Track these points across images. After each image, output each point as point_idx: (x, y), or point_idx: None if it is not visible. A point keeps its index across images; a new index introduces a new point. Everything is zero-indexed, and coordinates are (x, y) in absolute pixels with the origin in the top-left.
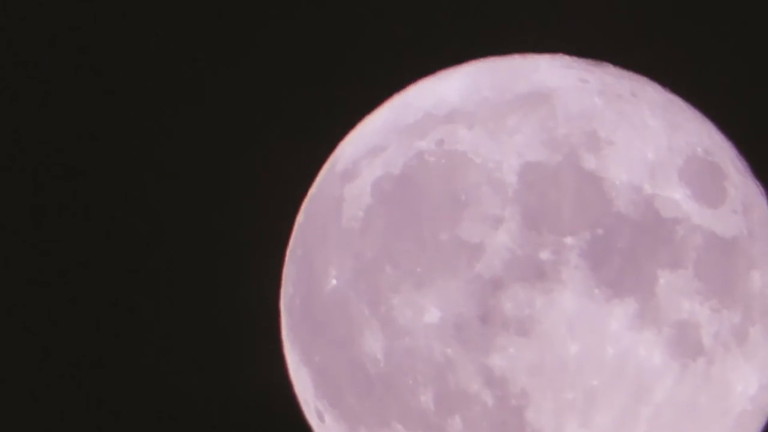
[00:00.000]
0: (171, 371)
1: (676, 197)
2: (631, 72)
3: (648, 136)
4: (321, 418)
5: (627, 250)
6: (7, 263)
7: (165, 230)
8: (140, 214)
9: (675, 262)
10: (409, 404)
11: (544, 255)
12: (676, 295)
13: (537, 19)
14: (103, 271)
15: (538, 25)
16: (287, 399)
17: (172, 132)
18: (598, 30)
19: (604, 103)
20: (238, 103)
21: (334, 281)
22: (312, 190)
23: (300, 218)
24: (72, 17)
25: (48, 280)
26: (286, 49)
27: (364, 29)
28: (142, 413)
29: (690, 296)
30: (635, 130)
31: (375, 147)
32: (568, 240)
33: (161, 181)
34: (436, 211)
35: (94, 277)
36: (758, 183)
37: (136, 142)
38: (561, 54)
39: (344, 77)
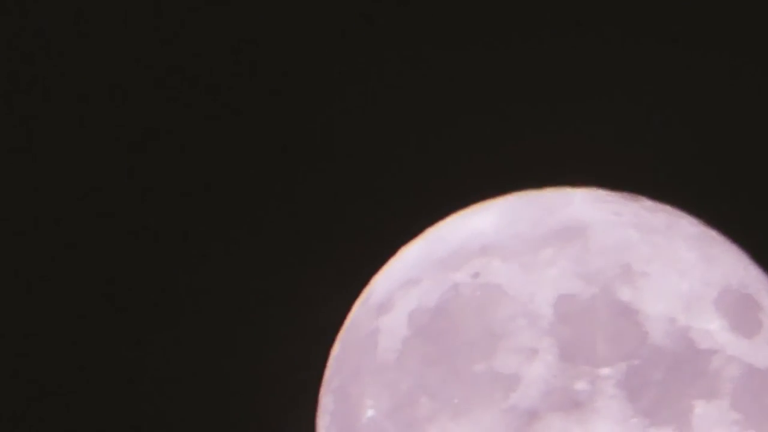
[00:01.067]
0: None
1: (711, 328)
2: (665, 205)
3: (683, 269)
4: None
5: (663, 380)
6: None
7: (201, 362)
8: (174, 340)
9: (711, 392)
10: None
11: (580, 385)
12: (712, 426)
13: (571, 153)
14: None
15: (572, 159)
16: None
17: (210, 257)
18: (633, 164)
19: (639, 237)
20: (276, 236)
21: (370, 412)
22: (347, 322)
23: (336, 349)
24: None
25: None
26: (319, 184)
27: (399, 163)
28: None
29: (727, 427)
30: (670, 263)
31: (410, 279)
32: (604, 371)
33: (198, 309)
34: (472, 343)
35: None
36: None
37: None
38: (595, 187)
39: (378, 211)
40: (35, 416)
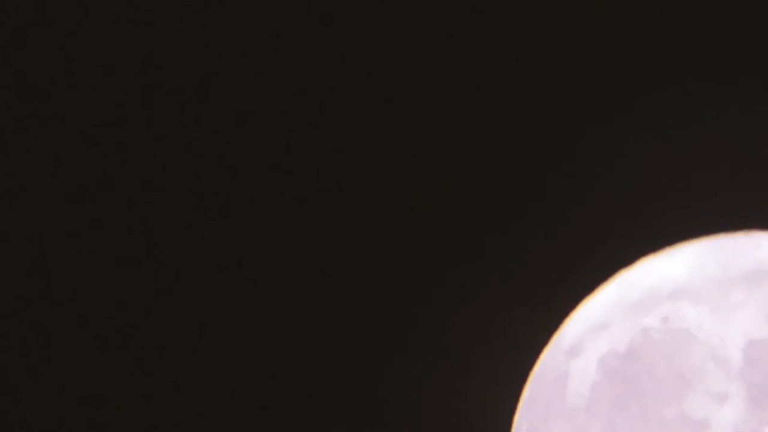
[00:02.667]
0: None
1: None
2: None
3: None
4: None
5: None
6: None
7: (388, 398)
8: (366, 375)
9: None
10: None
11: None
12: None
13: (762, 198)
14: None
15: (763, 203)
16: None
17: (407, 296)
18: None
19: None
20: (470, 277)
21: None
22: (539, 365)
23: (526, 393)
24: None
25: None
26: (514, 227)
27: (592, 207)
28: None
29: None
30: None
31: (600, 324)
32: None
33: (394, 345)
34: (661, 388)
35: None
36: None
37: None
38: None
39: (571, 255)
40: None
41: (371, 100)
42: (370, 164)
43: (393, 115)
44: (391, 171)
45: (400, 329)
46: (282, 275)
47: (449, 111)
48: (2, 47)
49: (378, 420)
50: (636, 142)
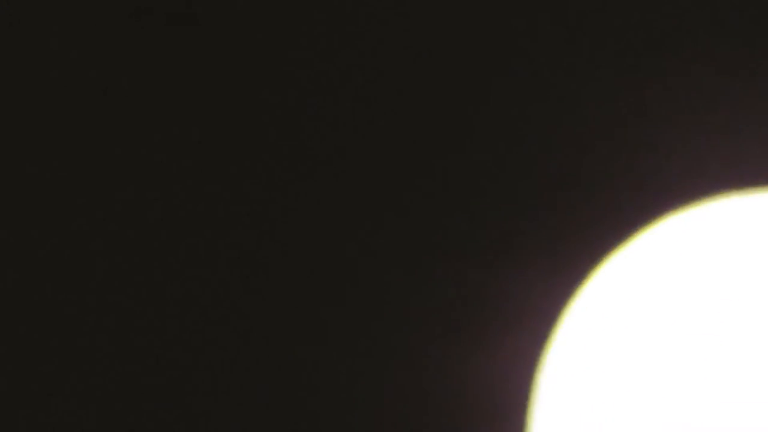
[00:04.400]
0: None
1: None
2: None
3: None
4: None
5: None
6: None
7: (400, 378)
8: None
9: None
10: None
11: None
12: None
13: None
14: None
15: None
16: None
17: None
18: None
19: None
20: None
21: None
22: (557, 336)
23: (545, 365)
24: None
25: None
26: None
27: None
28: None
29: None
30: None
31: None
32: None
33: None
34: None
35: None
36: None
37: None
38: None
39: (584, 217)
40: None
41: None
42: (376, 118)
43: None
44: (400, 135)
45: (407, 302)
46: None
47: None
48: None
49: (390, 400)
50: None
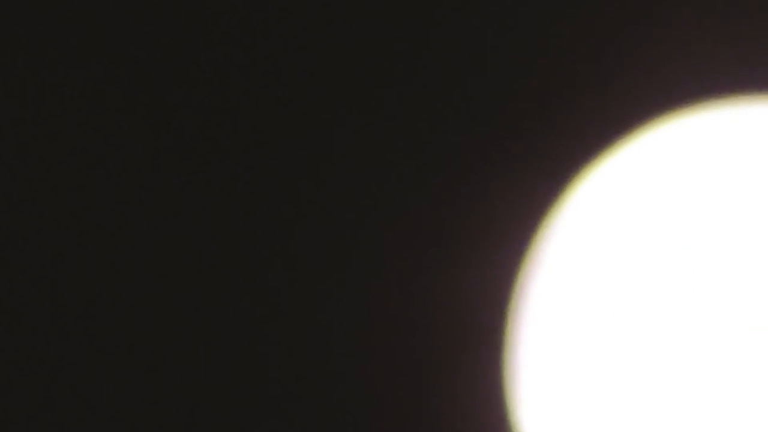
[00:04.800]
0: None
1: None
2: None
3: None
4: None
5: None
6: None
7: (373, 290)
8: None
9: None
10: None
11: None
12: None
13: None
14: None
15: None
16: None
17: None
18: None
19: None
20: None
21: None
22: (539, 246)
23: (525, 277)
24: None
25: None
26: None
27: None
28: None
29: None
30: None
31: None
32: None
33: None
34: None
35: None
36: None
37: None
38: None
39: (568, 119)
40: None
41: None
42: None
43: None
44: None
45: (376, 206)
46: None
47: None
48: None
49: (362, 312)
50: None
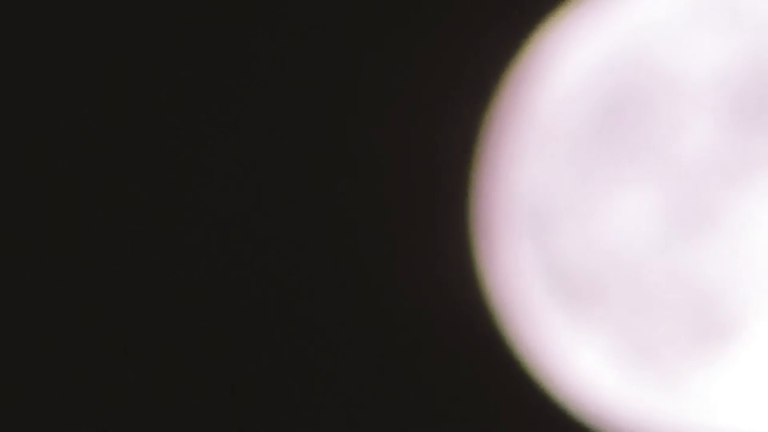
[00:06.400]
0: None
1: None
2: None
3: None
4: None
5: None
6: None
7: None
8: None
9: None
10: None
11: None
12: None
13: None
14: None
15: None
16: None
17: None
18: None
19: None
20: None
21: None
22: (501, 104)
23: (488, 139)
24: None
25: None
26: None
27: None
28: None
29: None
30: None
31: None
32: None
33: None
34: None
35: None
36: None
37: None
38: None
39: None
40: None
41: None
42: None
43: None
44: None
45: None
46: None
47: None
48: None
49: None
50: None
